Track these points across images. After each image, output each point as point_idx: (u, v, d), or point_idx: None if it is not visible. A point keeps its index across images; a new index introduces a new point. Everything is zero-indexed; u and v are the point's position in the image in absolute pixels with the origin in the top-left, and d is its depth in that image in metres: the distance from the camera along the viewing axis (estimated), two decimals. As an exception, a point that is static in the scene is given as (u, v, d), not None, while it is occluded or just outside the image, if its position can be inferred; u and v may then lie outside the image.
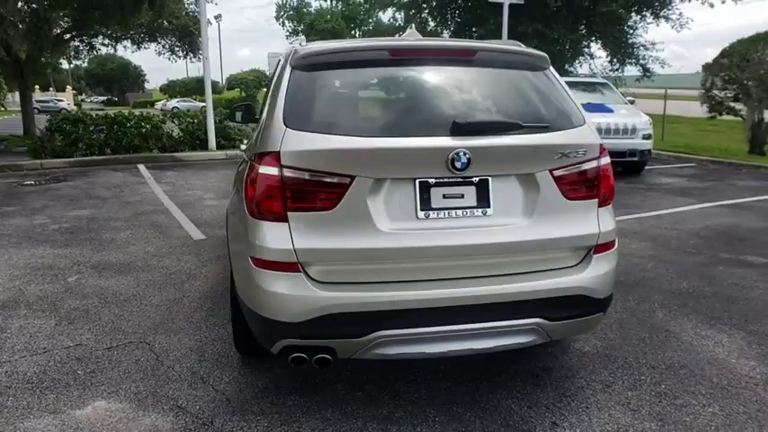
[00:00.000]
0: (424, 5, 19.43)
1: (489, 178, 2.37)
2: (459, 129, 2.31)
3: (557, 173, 2.43)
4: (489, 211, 2.38)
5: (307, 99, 2.45)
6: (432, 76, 2.58)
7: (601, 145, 2.55)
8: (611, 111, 9.61)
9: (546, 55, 2.76)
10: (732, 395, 2.78)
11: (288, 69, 2.55)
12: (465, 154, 2.27)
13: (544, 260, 2.47)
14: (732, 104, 11.89)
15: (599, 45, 16.60)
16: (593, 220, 2.53)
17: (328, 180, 2.26)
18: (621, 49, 16.01)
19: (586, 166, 2.50)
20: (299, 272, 2.27)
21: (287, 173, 2.26)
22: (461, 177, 2.33)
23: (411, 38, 3.07)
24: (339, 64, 2.54)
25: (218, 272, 4.58)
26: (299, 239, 2.26)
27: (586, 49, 16.59)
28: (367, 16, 24.92)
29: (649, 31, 15.78)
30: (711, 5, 14.59)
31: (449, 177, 2.33)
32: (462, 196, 2.36)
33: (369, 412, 2.64)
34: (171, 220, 6.31)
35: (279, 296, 2.28)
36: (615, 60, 16.38)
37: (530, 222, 2.41)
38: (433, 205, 2.33)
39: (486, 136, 2.34)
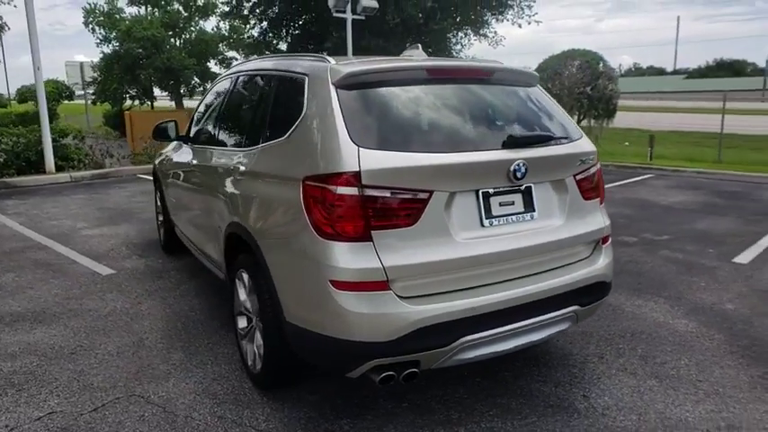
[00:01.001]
0: (251, 15, 19.07)
1: (532, 185, 2.64)
2: (512, 142, 2.55)
3: (578, 177, 2.80)
4: (535, 215, 2.64)
5: (368, 118, 2.46)
6: (466, 93, 2.76)
7: (596, 151, 2.99)
8: None
9: (536, 73, 3.13)
10: (689, 347, 3.45)
11: (329, 88, 2.51)
12: (524, 165, 2.50)
13: (572, 254, 2.81)
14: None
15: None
16: (599, 216, 2.95)
17: (410, 196, 2.31)
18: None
19: (593, 170, 2.91)
20: (389, 290, 2.28)
21: (369, 192, 2.26)
22: (514, 186, 2.56)
23: (418, 56, 3.20)
24: (382, 83, 2.58)
25: (162, 307, 4.12)
26: (386, 257, 2.27)
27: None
28: (188, 24, 23.69)
29: (471, 48, 17.78)
30: (519, 26, 17.08)
31: (504, 187, 2.54)
32: (513, 203, 2.59)
33: (427, 419, 2.71)
34: (57, 256, 5.42)
35: (370, 317, 2.26)
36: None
37: (563, 222, 2.73)
38: (494, 213, 2.52)
39: (532, 147, 2.60)
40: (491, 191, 2.51)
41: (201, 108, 4.42)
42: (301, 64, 2.85)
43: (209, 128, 3.92)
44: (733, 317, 3.91)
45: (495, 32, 17.04)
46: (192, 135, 4.31)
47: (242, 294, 3.09)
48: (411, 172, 2.32)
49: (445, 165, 2.38)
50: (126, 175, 10.83)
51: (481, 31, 16.98)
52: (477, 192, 2.48)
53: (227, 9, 19.18)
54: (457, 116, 2.64)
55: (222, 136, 3.68)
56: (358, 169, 2.26)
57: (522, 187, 2.60)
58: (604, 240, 2.98)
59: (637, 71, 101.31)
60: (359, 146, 2.31)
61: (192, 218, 4.16)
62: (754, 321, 3.83)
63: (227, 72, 4.09)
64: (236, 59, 27.10)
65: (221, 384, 3.05)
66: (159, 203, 5.57)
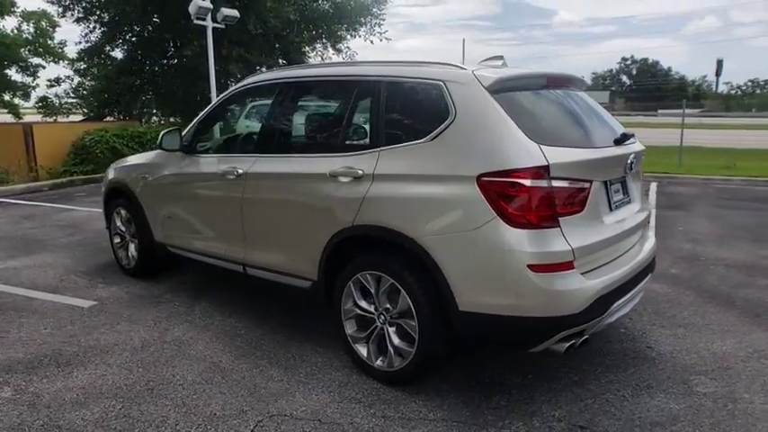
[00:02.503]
0: (86, 19, 16.93)
1: (626, 175, 3.19)
2: (620, 139, 3.07)
3: (637, 168, 3.43)
4: (630, 199, 3.21)
5: (525, 118, 2.75)
6: (571, 98, 3.20)
7: None
8: None
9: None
10: (678, 302, 4.36)
11: (483, 93, 2.75)
12: (635, 157, 3.04)
13: (645, 231, 3.44)
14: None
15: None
16: (646, 200, 3.64)
17: (579, 186, 2.69)
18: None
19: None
20: (574, 268, 2.62)
21: (555, 183, 2.58)
22: (623, 176, 3.09)
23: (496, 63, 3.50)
24: (519, 88, 2.91)
25: (200, 330, 3.78)
26: (572, 240, 2.61)
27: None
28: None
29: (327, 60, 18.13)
30: (372, 42, 18.03)
31: (618, 177, 3.06)
32: (619, 191, 3.12)
33: (555, 384, 3.09)
34: (0, 294, 4.48)
35: (564, 293, 2.58)
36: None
37: (641, 205, 3.34)
38: (614, 199, 3.02)
39: (629, 144, 3.16)
40: (611, 180, 3.00)
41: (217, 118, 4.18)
42: (428, 71, 3.01)
43: (268, 135, 3.72)
44: (686, 279, 4.98)
45: (349, 47, 17.74)
46: (218, 145, 4.06)
47: (357, 299, 3.11)
48: (579, 165, 2.70)
49: (598, 158, 2.81)
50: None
51: (337, 46, 17.53)
52: (606, 182, 2.95)
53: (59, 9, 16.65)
54: (578, 117, 3.08)
55: (297, 142, 3.57)
56: (546, 163, 2.56)
57: (623, 177, 3.15)
58: (648, 220, 3.68)
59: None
60: (539, 143, 2.61)
61: (226, 230, 3.88)
62: (697, 279, 4.94)
63: (260, 80, 3.92)
64: (43, 67, 23.62)
65: (352, 388, 3.03)
66: (120, 224, 4.95)
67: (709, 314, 4.12)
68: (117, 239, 5.09)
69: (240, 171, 3.69)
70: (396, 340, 2.98)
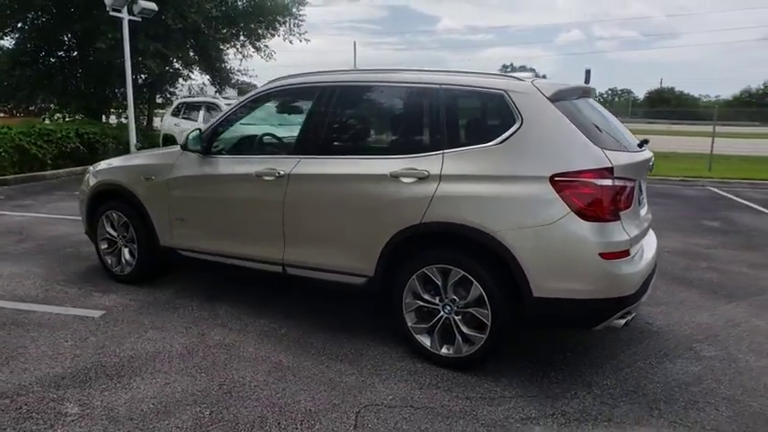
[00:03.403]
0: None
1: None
2: (641, 144, 3.56)
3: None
4: (643, 200, 3.71)
5: (584, 124, 3.13)
6: (596, 105, 3.62)
7: None
8: None
9: None
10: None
11: (546, 102, 3.10)
12: (652, 161, 3.54)
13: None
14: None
15: (197, 68, 17.35)
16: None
17: (630, 185, 3.11)
18: (222, 73, 17.35)
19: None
20: (630, 255, 3.04)
21: (616, 182, 2.98)
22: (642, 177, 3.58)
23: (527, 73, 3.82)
24: (566, 98, 3.28)
25: (239, 333, 3.74)
26: (628, 231, 3.03)
27: (186, 71, 17.05)
28: None
29: (250, 60, 17.60)
30: (291, 42, 17.85)
31: (641, 177, 3.54)
32: (641, 190, 3.61)
33: (591, 357, 3.52)
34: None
35: (626, 276, 2.99)
36: (217, 82, 17.59)
37: (647, 206, 3.86)
38: (641, 197, 3.49)
39: (646, 149, 3.65)
40: (639, 180, 3.48)
41: (247, 119, 4.15)
42: (488, 81, 3.28)
43: (312, 137, 3.75)
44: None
45: (267, 46, 17.47)
46: (241, 146, 4.05)
47: (421, 292, 3.31)
48: (629, 166, 3.12)
49: (637, 161, 3.26)
50: None
51: (257, 44, 17.17)
52: (639, 181, 3.41)
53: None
54: (609, 123, 3.50)
55: (348, 144, 3.66)
56: (611, 165, 2.95)
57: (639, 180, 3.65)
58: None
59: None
60: (600, 147, 3.00)
61: (262, 232, 3.86)
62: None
63: (296, 82, 3.96)
64: None
65: (423, 376, 3.22)
66: (110, 228, 4.68)
67: (677, 293, 4.82)
68: (104, 245, 4.78)
69: (282, 172, 3.72)
70: (464, 328, 3.23)
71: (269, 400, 2.94)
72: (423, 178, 3.26)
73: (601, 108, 3.74)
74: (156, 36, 14.47)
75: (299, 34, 17.15)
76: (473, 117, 3.38)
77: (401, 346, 3.55)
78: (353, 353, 3.51)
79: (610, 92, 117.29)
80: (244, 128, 4.35)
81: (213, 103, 11.01)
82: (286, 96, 4.28)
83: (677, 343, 3.78)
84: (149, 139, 15.03)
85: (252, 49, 17.09)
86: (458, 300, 3.24)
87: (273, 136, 4.52)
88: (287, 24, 16.79)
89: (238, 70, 17.87)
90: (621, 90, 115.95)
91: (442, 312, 3.30)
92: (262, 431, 2.67)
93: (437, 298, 3.30)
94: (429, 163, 3.28)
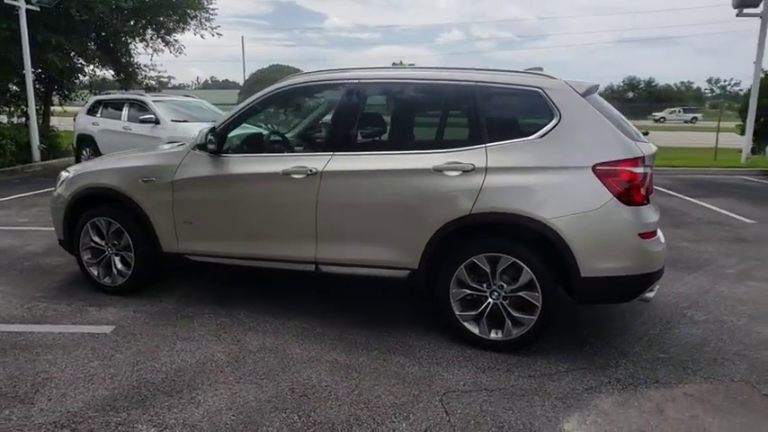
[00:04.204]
0: None
1: None
2: (644, 134, 3.96)
3: None
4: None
5: (611, 117, 3.43)
6: (603, 100, 3.95)
7: None
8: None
9: None
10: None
11: (580, 98, 3.38)
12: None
13: None
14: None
15: (99, 63, 15.91)
16: None
17: (650, 172, 3.46)
18: (128, 69, 16.07)
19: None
20: (657, 235, 3.40)
21: (647, 170, 3.32)
22: None
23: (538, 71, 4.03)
24: (591, 93, 3.57)
25: (284, 337, 3.64)
26: (655, 213, 3.38)
27: (90, 67, 15.56)
28: None
29: (161, 54, 16.20)
30: (203, 36, 16.97)
31: (649, 165, 3.93)
32: None
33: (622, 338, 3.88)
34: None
35: (657, 254, 3.35)
36: (121, 78, 16.23)
37: None
38: None
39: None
40: (650, 167, 3.87)
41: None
42: (524, 78, 3.48)
43: (343, 133, 3.70)
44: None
45: (177, 40, 16.50)
46: (255, 144, 3.90)
47: (469, 281, 3.45)
48: (651, 155, 3.47)
49: (654, 151, 3.62)
50: None
51: (166, 39, 16.15)
52: None
53: None
54: (619, 116, 3.84)
55: (384, 140, 3.66)
56: (642, 154, 3.29)
57: None
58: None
59: (214, 84, 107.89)
60: (628, 138, 3.32)
61: (292, 231, 3.77)
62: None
63: (319, 79, 3.89)
64: None
65: (479, 360, 3.37)
66: (95, 237, 4.30)
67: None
68: (88, 255, 4.38)
69: (314, 169, 3.66)
70: (513, 312, 3.42)
71: (349, 398, 2.93)
72: (468, 171, 3.40)
73: (607, 103, 4.10)
74: (57, 28, 13.16)
75: (212, 28, 16.42)
76: (512, 112, 3.56)
77: (443, 334, 3.67)
78: (401, 345, 3.57)
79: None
80: (256, 126, 4.20)
81: (139, 101, 10.25)
82: (305, 94, 4.19)
83: (671, 311, 4.25)
84: (48, 139, 13.65)
85: (162, 44, 16.05)
86: (505, 285, 3.42)
87: (295, 133, 4.41)
88: (198, 18, 15.98)
89: (146, 66, 16.71)
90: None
91: (489, 299, 3.46)
92: (361, 429, 2.67)
93: (484, 285, 3.46)
94: (473, 156, 3.42)
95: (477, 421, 2.75)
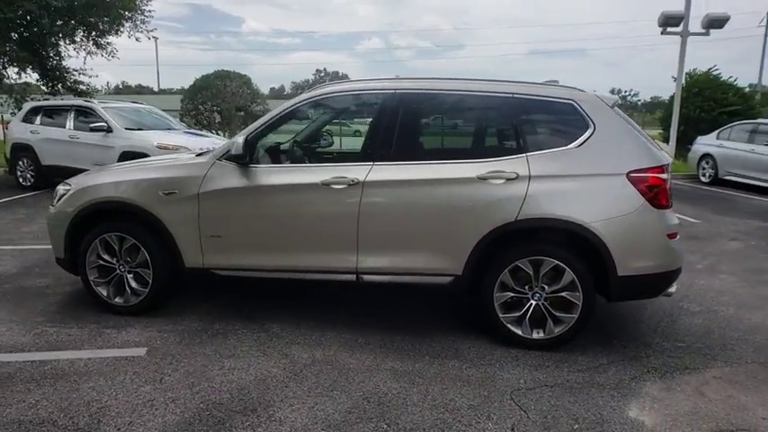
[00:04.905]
0: None
1: None
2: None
3: None
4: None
5: (635, 127, 3.73)
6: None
7: None
8: (200, 134, 10.22)
9: None
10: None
11: (610, 110, 3.66)
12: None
13: None
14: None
15: (19, 65, 14.62)
16: None
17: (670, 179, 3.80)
18: (55, 72, 14.89)
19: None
20: (678, 236, 3.74)
21: (668, 176, 3.64)
22: None
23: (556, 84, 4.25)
24: (615, 105, 3.86)
25: (350, 346, 3.61)
26: (676, 218, 3.72)
27: (10, 69, 14.23)
28: None
29: (95, 58, 14.96)
30: (138, 39, 16.06)
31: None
32: None
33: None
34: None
35: (679, 252, 3.68)
36: (47, 82, 15.00)
37: None
38: None
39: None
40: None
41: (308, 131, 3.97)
42: (557, 91, 3.71)
43: (383, 143, 3.73)
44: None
45: (110, 43, 15.56)
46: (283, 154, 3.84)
47: (512, 284, 3.62)
48: (669, 164, 3.81)
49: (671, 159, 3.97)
50: None
51: (99, 41, 15.18)
52: None
53: None
54: (637, 126, 4.16)
55: (425, 150, 3.71)
56: (667, 162, 3.61)
57: None
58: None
59: (126, 89, 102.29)
60: (655, 148, 3.64)
61: (331, 241, 3.76)
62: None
63: (359, 88, 3.95)
64: None
65: (528, 359, 3.54)
66: (104, 254, 4.05)
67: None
68: (95, 275, 4.11)
69: (356, 179, 3.68)
70: (555, 312, 3.62)
71: (426, 403, 2.99)
72: (512, 179, 3.57)
73: (625, 114, 4.45)
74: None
75: (147, 31, 15.66)
76: (548, 123, 3.77)
77: (482, 336, 3.81)
78: (448, 349, 3.66)
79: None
80: (285, 136, 4.14)
81: (85, 107, 9.57)
82: (338, 103, 4.18)
83: (669, 304, 4.65)
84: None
85: (94, 47, 15.06)
86: (546, 287, 3.61)
87: (327, 143, 4.37)
88: (133, 20, 15.18)
89: (75, 70, 15.59)
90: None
91: (531, 300, 3.64)
92: (448, 430, 2.74)
93: (526, 287, 3.64)
94: (515, 165, 3.59)
95: (553, 415, 2.91)
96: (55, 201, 4.28)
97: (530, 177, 3.56)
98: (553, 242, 3.60)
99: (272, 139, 4.27)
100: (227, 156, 3.88)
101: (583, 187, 3.56)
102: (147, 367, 3.33)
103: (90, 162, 9.28)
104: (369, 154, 3.82)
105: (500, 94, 3.75)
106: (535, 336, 3.66)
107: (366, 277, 3.80)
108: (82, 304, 4.28)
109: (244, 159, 3.80)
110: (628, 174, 3.53)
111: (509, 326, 3.68)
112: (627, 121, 3.78)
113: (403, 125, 3.81)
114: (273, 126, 3.96)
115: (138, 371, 3.28)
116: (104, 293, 4.12)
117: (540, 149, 3.63)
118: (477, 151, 3.77)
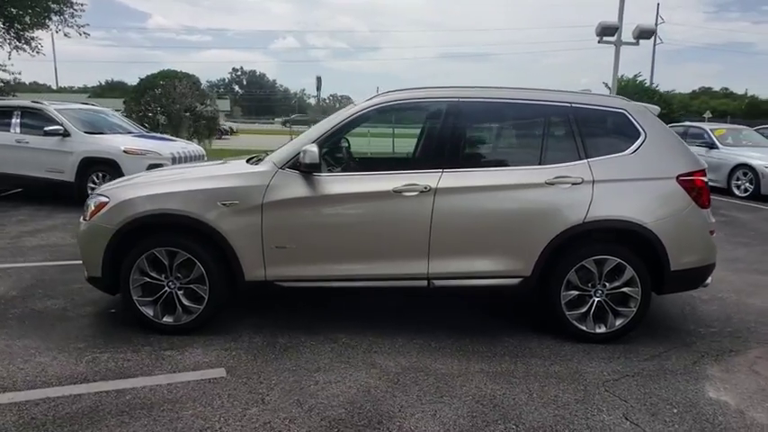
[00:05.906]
0: None
1: None
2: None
3: None
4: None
5: (677, 135, 4.07)
6: None
7: None
8: (167, 138, 9.64)
9: None
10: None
11: (656, 119, 3.97)
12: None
13: None
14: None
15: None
16: None
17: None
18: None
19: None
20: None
21: (705, 179, 4.01)
22: None
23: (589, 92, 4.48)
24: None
25: (428, 351, 3.61)
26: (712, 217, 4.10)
27: None
28: None
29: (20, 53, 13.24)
30: (67, 35, 14.72)
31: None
32: None
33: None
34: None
35: (715, 247, 4.05)
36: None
37: None
38: None
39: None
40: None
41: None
42: (609, 101, 3.97)
43: (452, 151, 3.78)
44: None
45: (34, 38, 14.24)
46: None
47: (579, 283, 3.82)
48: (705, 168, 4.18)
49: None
50: None
51: (23, 36, 13.83)
52: None
53: None
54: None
55: (494, 157, 3.80)
56: (706, 166, 3.98)
57: None
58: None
59: (20, 86, 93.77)
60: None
61: (403, 248, 3.77)
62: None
63: (419, 96, 3.98)
64: None
65: (598, 352, 3.75)
66: (151, 271, 3.79)
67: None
68: (139, 293, 3.83)
69: (427, 186, 3.72)
70: (616, 307, 3.87)
71: (536, 401, 3.10)
72: (577, 184, 3.77)
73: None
74: None
75: (78, 26, 14.49)
76: (604, 131, 4.01)
77: (546, 334, 3.99)
78: (524, 348, 3.80)
79: (332, 98, 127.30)
80: (345, 144, 4.07)
81: (33, 109, 8.69)
82: (401, 111, 4.17)
83: (682, 294, 5.06)
84: None
85: (16, 41, 13.71)
86: (607, 284, 3.85)
87: (393, 151, 4.32)
88: (62, 14, 14.00)
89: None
90: (342, 96, 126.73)
91: (594, 297, 3.87)
92: (578, 425, 2.87)
93: (589, 284, 3.86)
94: (579, 170, 3.80)
95: (650, 402, 3.13)
96: (87, 215, 3.93)
97: (593, 182, 3.78)
98: (615, 242, 3.85)
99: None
100: (291, 164, 3.78)
101: (639, 190, 3.84)
102: (237, 388, 3.17)
103: (43, 169, 8.53)
104: (438, 161, 3.86)
105: (559, 103, 3.95)
106: (598, 330, 3.89)
107: (437, 282, 3.85)
108: (119, 326, 3.97)
109: (318, 168, 3.71)
110: (677, 177, 3.85)
111: (575, 323, 3.88)
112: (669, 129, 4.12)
113: (469, 133, 3.91)
114: (341, 132, 3.90)
115: (231, 393, 3.12)
116: (150, 313, 3.85)
117: (600, 155, 3.87)
118: (539, 158, 3.94)
